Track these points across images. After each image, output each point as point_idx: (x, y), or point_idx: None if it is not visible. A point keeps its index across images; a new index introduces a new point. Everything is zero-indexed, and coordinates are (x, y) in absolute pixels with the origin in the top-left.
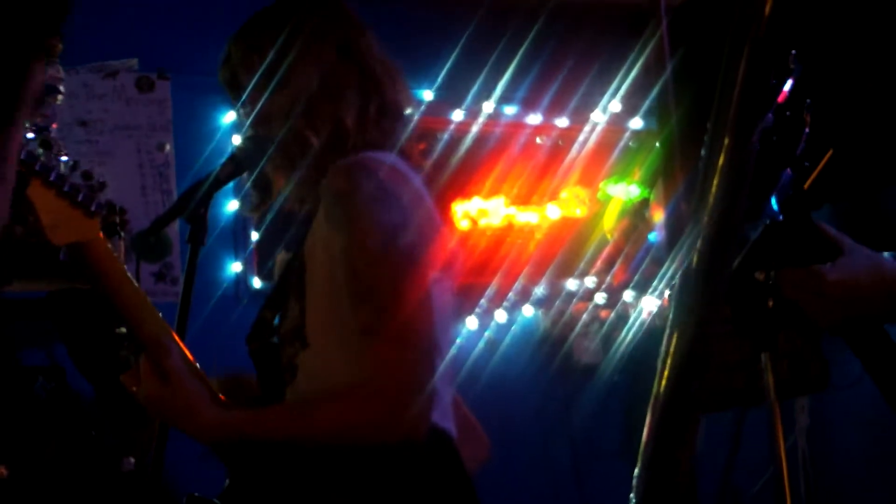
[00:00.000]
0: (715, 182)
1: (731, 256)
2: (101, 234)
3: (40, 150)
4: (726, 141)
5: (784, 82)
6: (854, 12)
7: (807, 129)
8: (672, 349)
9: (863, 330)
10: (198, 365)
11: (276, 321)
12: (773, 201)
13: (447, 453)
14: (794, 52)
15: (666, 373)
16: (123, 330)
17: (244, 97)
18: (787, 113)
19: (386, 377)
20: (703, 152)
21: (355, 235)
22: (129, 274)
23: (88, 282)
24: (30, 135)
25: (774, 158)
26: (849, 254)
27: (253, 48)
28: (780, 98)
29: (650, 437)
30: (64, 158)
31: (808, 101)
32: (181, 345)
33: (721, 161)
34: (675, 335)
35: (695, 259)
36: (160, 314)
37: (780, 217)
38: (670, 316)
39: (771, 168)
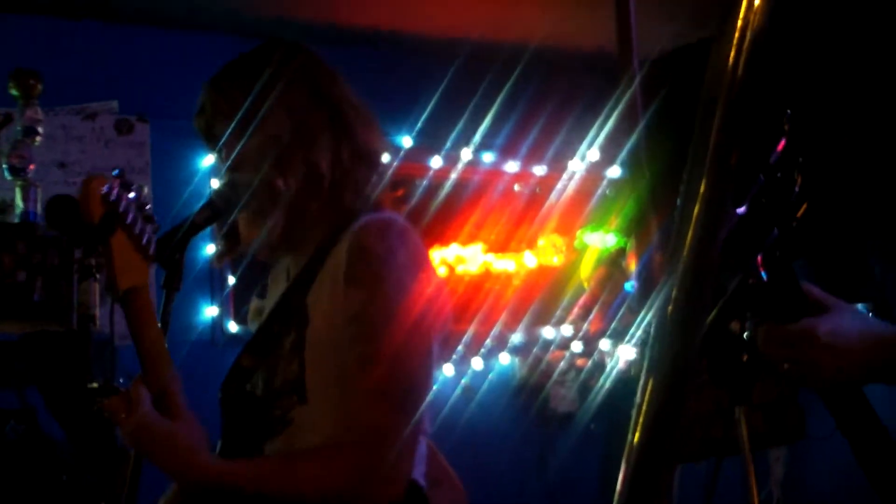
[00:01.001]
0: (690, 233)
1: (706, 306)
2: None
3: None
4: (702, 190)
5: (776, 142)
6: (839, 68)
7: (797, 189)
8: (646, 399)
9: (841, 389)
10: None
11: (257, 371)
12: (759, 260)
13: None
14: (788, 112)
15: (640, 423)
16: (95, 385)
17: (219, 143)
18: (778, 174)
19: (381, 442)
20: (678, 202)
21: (383, 301)
22: (158, 326)
23: (130, 327)
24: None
25: (764, 219)
26: (836, 312)
27: (226, 95)
28: (774, 155)
29: (625, 488)
30: (132, 195)
31: (800, 160)
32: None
33: (696, 211)
34: (650, 385)
35: (669, 308)
36: (175, 370)
37: (764, 276)
38: (645, 365)
39: (760, 228)
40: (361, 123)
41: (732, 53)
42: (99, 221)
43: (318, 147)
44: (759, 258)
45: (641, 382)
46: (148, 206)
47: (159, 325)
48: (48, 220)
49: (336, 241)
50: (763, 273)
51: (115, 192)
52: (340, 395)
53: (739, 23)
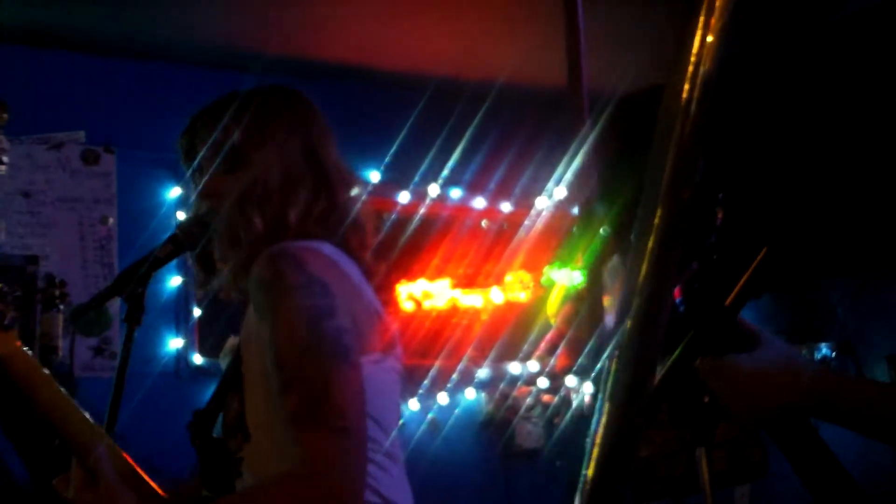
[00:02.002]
0: (644, 267)
1: (659, 337)
2: (19, 344)
3: None
4: (656, 222)
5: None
6: (777, 108)
7: (718, 223)
8: (600, 434)
9: (785, 424)
10: (130, 463)
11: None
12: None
13: None
14: (707, 143)
15: (594, 458)
16: (59, 442)
17: (197, 168)
18: (696, 207)
19: (317, 466)
20: (632, 236)
21: (280, 323)
22: (53, 382)
23: (11, 393)
24: None
25: (683, 253)
26: (763, 345)
27: (219, 124)
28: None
29: None
30: None
31: (720, 195)
32: (114, 447)
33: (650, 244)
34: (603, 419)
35: (624, 343)
36: (88, 417)
37: (681, 309)
38: (599, 398)
39: (679, 262)
40: (343, 185)
41: (685, 89)
42: None
43: (295, 199)
44: (676, 290)
45: (595, 416)
46: None
47: (57, 387)
48: None
49: None
50: (679, 304)
51: None
52: (273, 430)
53: (692, 58)
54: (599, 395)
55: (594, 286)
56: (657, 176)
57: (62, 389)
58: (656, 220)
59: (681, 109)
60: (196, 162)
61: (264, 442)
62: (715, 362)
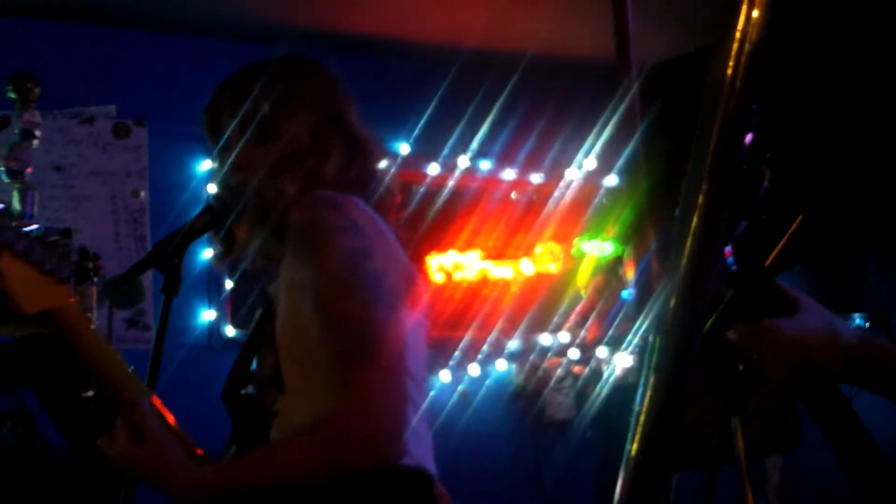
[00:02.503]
0: (689, 241)
1: (704, 315)
2: (72, 300)
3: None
4: (700, 200)
5: (743, 136)
6: (825, 67)
7: (765, 183)
8: (645, 407)
9: (816, 389)
10: (173, 419)
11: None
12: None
13: (427, 499)
14: (754, 106)
15: (639, 431)
16: (90, 393)
17: (223, 142)
18: (745, 166)
19: (367, 401)
20: (676, 213)
21: (321, 264)
22: (103, 338)
23: (65, 346)
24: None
25: (731, 210)
26: (805, 311)
27: (244, 96)
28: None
29: (623, 496)
30: (27, 228)
31: (767, 155)
32: (156, 402)
33: (695, 222)
34: (649, 393)
35: (668, 318)
36: (133, 371)
37: (734, 267)
38: (643, 373)
39: (729, 220)
40: (373, 152)
41: (731, 65)
42: None
43: (331, 160)
44: (728, 249)
45: (640, 391)
46: (36, 230)
47: (106, 342)
48: None
49: None
50: (732, 262)
51: None
52: (311, 374)
53: (738, 34)
54: (643, 370)
55: (635, 255)
56: (702, 152)
57: (111, 346)
58: (700, 199)
59: (726, 86)
60: (224, 136)
61: (302, 388)
62: (755, 325)
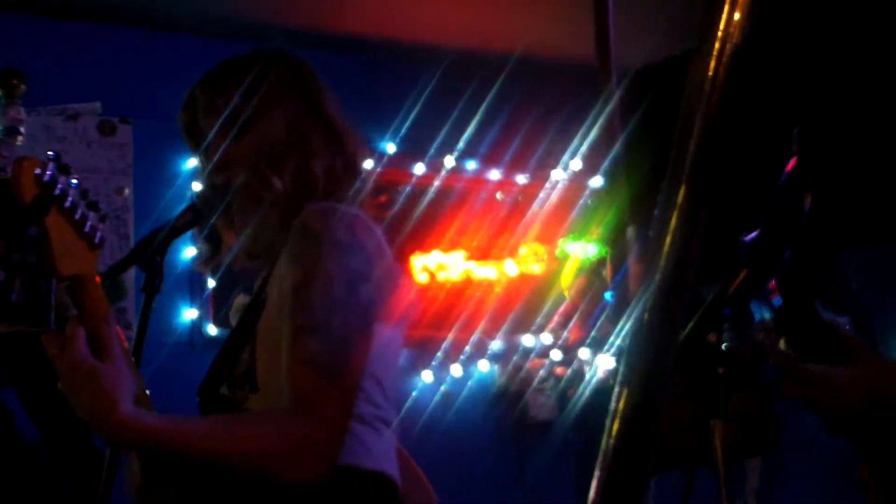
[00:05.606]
0: (667, 243)
1: (682, 317)
2: (97, 279)
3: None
4: (680, 200)
5: (785, 163)
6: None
7: (807, 208)
8: (621, 407)
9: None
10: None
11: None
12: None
13: (390, 501)
14: (796, 130)
15: (615, 431)
16: None
17: (204, 143)
18: (787, 196)
19: (316, 405)
20: (656, 212)
21: (321, 273)
22: (112, 317)
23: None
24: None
25: (774, 242)
26: (863, 362)
27: (218, 93)
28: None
29: (598, 496)
30: (74, 181)
31: (809, 179)
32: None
33: (674, 222)
34: (625, 393)
35: (645, 318)
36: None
37: (778, 301)
38: (620, 373)
39: (771, 251)
40: (351, 137)
41: (712, 65)
42: (31, 201)
43: (313, 153)
44: (773, 282)
45: (616, 390)
46: (89, 193)
47: (113, 321)
48: None
49: None
50: (778, 298)
51: (48, 173)
52: (281, 375)
53: (719, 34)
54: (620, 370)
55: (616, 257)
56: (683, 152)
57: (116, 326)
58: (680, 198)
59: (707, 87)
60: (203, 137)
61: (276, 390)
62: (804, 369)
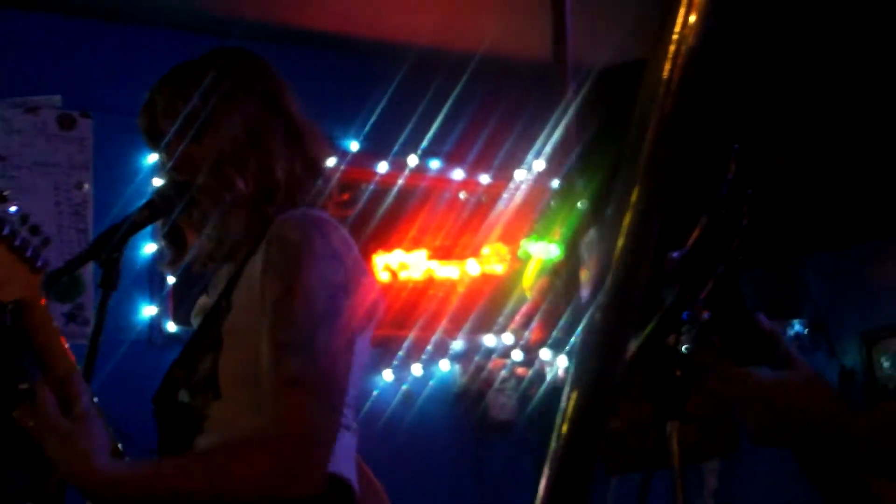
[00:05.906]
0: (620, 242)
1: (634, 318)
2: (43, 303)
3: None
4: (633, 200)
5: (722, 178)
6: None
7: (744, 222)
8: (570, 408)
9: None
10: (103, 414)
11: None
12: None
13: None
14: (735, 146)
15: (564, 430)
16: (26, 386)
17: (164, 143)
18: (723, 211)
19: (305, 427)
20: (608, 212)
21: (300, 289)
22: (60, 337)
23: (22, 338)
24: None
25: (709, 256)
26: (795, 369)
27: (177, 95)
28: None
29: (546, 497)
30: (13, 209)
31: (748, 192)
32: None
33: (626, 221)
34: (574, 394)
35: (597, 318)
36: (80, 370)
37: (707, 315)
38: (570, 373)
39: (705, 265)
40: (311, 135)
41: (667, 68)
42: None
43: (273, 154)
44: (703, 294)
45: (566, 390)
46: (18, 213)
47: (62, 342)
48: None
49: (262, 240)
50: (706, 312)
51: None
52: (256, 387)
53: (674, 37)
54: (570, 371)
55: (571, 259)
56: (636, 154)
57: (66, 346)
58: (633, 199)
59: (661, 89)
60: (163, 137)
61: (240, 397)
62: (736, 371)
